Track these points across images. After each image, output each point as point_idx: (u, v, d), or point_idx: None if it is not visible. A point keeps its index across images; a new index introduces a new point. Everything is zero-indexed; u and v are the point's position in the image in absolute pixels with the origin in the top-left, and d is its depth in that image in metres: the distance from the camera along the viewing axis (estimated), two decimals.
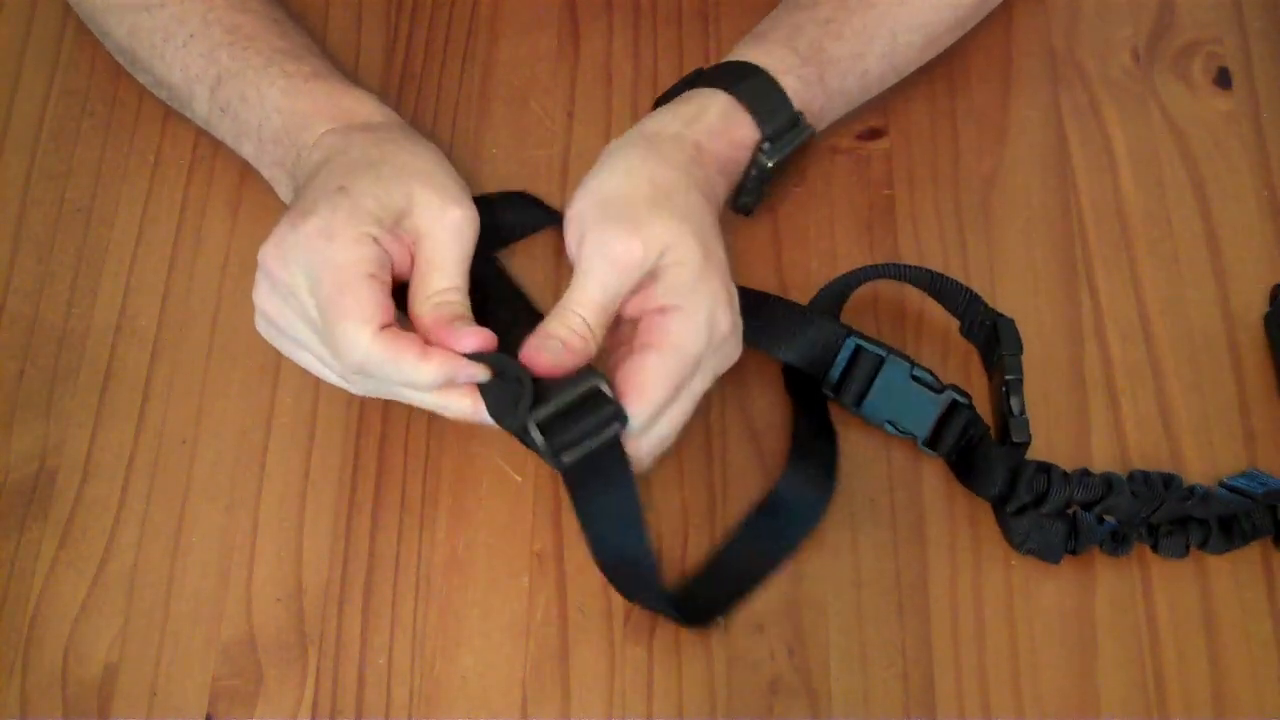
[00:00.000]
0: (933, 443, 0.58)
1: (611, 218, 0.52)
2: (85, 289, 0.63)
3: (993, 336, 0.58)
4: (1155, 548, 0.57)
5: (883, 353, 0.57)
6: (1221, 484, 0.57)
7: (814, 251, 0.63)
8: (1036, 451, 0.59)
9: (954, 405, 0.57)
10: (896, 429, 0.58)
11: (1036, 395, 0.60)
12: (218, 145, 0.66)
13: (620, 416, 0.50)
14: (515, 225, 0.62)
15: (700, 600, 0.55)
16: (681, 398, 0.53)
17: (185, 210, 0.65)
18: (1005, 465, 0.56)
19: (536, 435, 0.50)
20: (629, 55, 0.69)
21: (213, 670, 0.55)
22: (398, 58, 0.69)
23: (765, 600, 0.56)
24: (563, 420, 0.50)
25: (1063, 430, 0.60)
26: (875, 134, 0.66)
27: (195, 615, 0.57)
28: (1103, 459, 0.59)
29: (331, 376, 0.54)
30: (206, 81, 0.60)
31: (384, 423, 0.60)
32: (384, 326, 0.50)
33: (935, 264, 0.63)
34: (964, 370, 0.61)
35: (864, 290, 0.61)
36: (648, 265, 0.51)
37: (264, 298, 0.54)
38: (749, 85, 0.58)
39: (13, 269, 0.64)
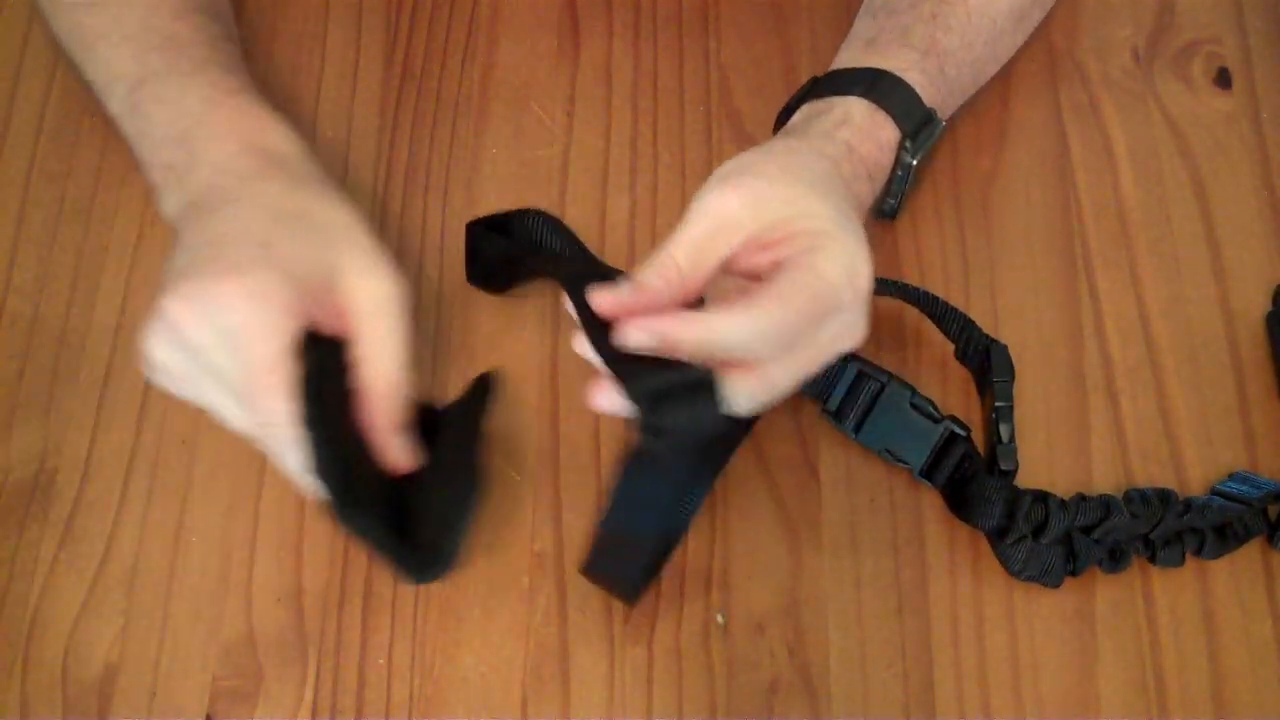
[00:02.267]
0: (928, 473, 0.58)
1: (722, 177, 0.50)
2: (85, 289, 0.63)
3: (986, 362, 0.58)
4: (1153, 560, 0.57)
5: (883, 378, 0.57)
6: (1215, 491, 0.57)
7: None
8: (1036, 453, 0.59)
9: (952, 436, 0.57)
10: (893, 457, 0.58)
11: (1036, 396, 0.60)
12: None
13: (721, 404, 0.46)
14: (529, 240, 0.61)
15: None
16: (805, 344, 0.48)
17: None
18: (1002, 497, 0.55)
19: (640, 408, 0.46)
20: (629, 55, 0.69)
21: (213, 670, 0.56)
22: (398, 58, 0.69)
23: (765, 600, 0.56)
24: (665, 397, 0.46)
25: (1063, 430, 0.60)
26: None
27: (195, 615, 0.57)
28: (1102, 459, 0.59)
29: (240, 424, 0.51)
30: (127, 81, 0.59)
31: None
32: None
33: (935, 264, 0.63)
34: (963, 393, 0.61)
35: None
36: (750, 221, 0.49)
37: (164, 351, 0.49)
38: (883, 87, 0.57)
39: (13, 269, 0.64)
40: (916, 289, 0.60)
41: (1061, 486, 0.58)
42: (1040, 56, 0.68)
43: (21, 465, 0.59)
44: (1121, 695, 0.55)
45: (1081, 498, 0.56)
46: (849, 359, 0.58)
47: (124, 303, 0.63)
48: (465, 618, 0.57)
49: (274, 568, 0.57)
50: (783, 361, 0.48)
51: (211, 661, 0.56)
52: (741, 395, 0.47)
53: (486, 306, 0.62)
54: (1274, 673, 0.55)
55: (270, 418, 0.48)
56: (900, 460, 0.58)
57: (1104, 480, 0.59)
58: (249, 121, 0.56)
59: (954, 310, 0.59)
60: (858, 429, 0.58)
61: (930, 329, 0.61)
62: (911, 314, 0.61)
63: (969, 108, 0.67)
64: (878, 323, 0.61)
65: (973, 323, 0.59)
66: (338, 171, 0.65)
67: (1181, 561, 0.57)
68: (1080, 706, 0.55)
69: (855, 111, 0.57)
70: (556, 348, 0.61)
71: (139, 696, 0.55)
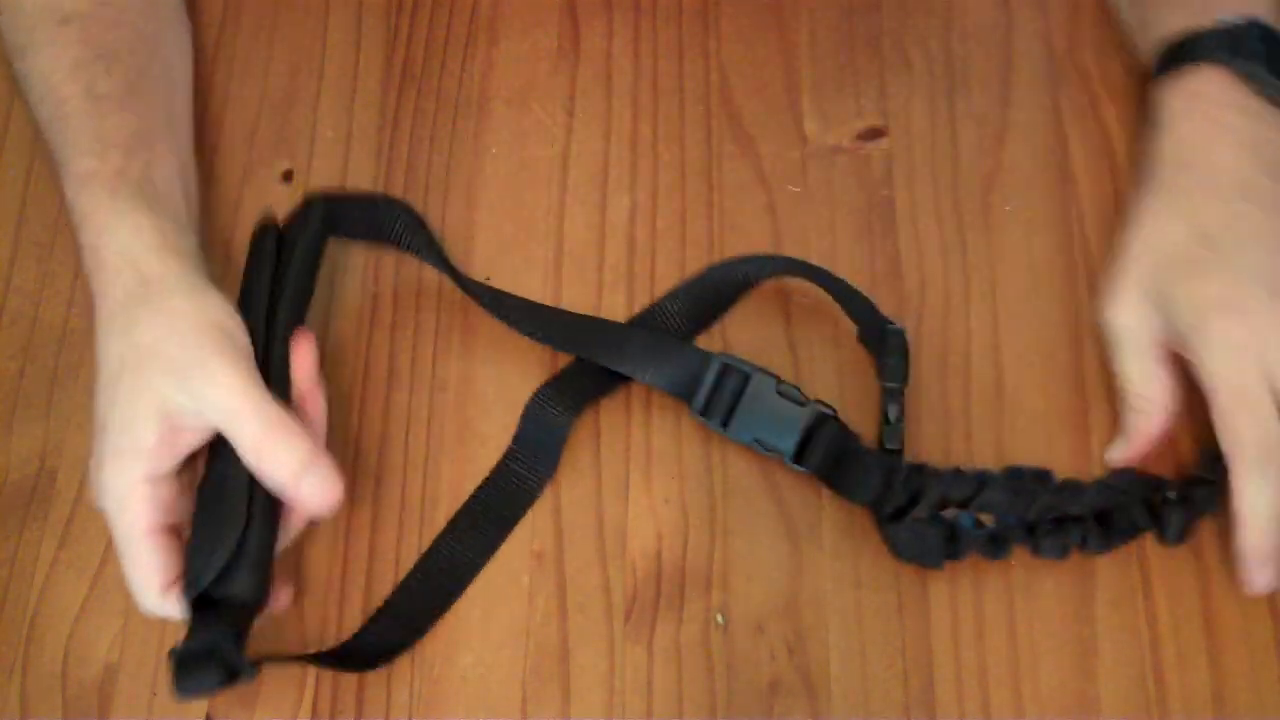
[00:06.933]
0: (800, 458, 0.57)
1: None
2: (85, 289, 0.63)
3: (882, 345, 0.58)
4: (1036, 549, 0.56)
5: (748, 370, 0.58)
6: (1098, 481, 0.57)
7: (814, 252, 0.63)
8: (1037, 453, 0.59)
9: (820, 418, 0.57)
10: (763, 446, 0.58)
11: (1036, 395, 0.60)
12: (217, 145, 0.66)
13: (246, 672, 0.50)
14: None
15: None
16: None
17: None
18: (880, 470, 0.56)
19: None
20: (629, 55, 0.69)
21: None
22: (398, 58, 0.69)
23: (765, 600, 0.57)
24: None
25: (1062, 431, 0.60)
26: (875, 134, 0.66)
27: None
28: (1102, 459, 0.59)
29: None
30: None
31: (384, 423, 0.60)
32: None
33: (935, 264, 0.63)
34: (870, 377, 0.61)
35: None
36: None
37: None
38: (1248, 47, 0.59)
39: (13, 269, 0.64)
40: (821, 269, 0.60)
41: None
42: (1040, 57, 0.68)
43: (21, 465, 0.59)
44: (1121, 694, 0.55)
45: (958, 470, 0.56)
46: (709, 356, 0.58)
47: None
48: (465, 618, 0.57)
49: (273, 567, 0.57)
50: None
51: None
52: None
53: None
54: (1274, 673, 0.55)
55: (139, 600, 0.53)
56: (772, 449, 0.58)
57: None
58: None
59: (853, 290, 0.60)
60: (725, 424, 0.58)
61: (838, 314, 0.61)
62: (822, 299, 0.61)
63: (969, 109, 0.67)
64: (782, 305, 0.62)
65: (870, 304, 0.59)
66: (338, 171, 0.65)
67: (1064, 554, 0.56)
68: (1080, 705, 0.55)
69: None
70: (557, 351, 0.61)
71: (139, 696, 0.55)
